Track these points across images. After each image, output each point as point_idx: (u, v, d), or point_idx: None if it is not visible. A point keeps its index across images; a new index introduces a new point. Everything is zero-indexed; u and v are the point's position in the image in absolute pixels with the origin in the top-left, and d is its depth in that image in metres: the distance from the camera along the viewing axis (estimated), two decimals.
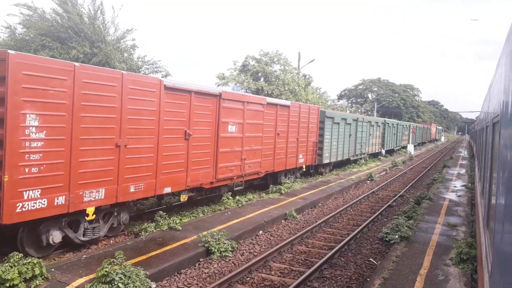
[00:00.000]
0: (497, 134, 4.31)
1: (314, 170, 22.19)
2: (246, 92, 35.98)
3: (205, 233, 9.05)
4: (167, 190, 10.26)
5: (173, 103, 10.23)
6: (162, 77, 23.84)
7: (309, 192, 16.01)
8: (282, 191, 15.28)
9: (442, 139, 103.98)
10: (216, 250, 8.48)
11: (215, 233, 8.89)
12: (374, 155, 34.49)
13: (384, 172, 26.67)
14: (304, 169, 19.22)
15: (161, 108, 9.79)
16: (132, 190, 9.21)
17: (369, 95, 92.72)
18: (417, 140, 58.32)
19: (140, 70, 21.89)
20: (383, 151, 35.51)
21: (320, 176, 21.56)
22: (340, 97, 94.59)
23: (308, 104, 19.35)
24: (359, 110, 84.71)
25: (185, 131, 10.65)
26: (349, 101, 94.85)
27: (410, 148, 44.89)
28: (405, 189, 19.52)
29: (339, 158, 24.24)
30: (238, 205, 12.63)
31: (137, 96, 9.16)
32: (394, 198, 16.82)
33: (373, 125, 31.31)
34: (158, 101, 9.72)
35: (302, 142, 18.32)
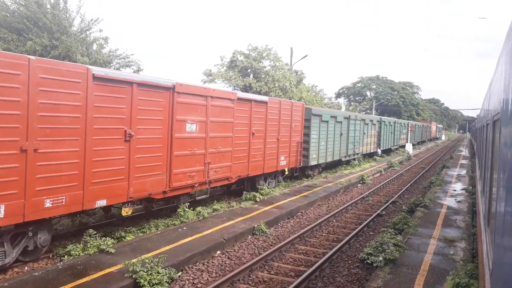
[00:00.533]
0: (497, 132, 4.30)
1: (300, 173, 20.37)
2: (235, 89, 34.16)
3: (134, 260, 7.20)
4: (101, 203, 8.42)
5: (107, 97, 8.38)
6: (134, 72, 22.04)
7: (288, 199, 14.18)
8: (258, 199, 13.44)
9: (443, 137, 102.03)
10: (146, 283, 6.65)
11: (147, 260, 7.05)
12: (370, 155, 32.65)
13: (379, 174, 24.81)
14: (287, 173, 17.38)
15: (89, 102, 7.95)
16: (48, 205, 7.37)
17: (368, 93, 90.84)
18: (416, 139, 56.44)
19: (111, 64, 20.06)
20: (379, 151, 33.65)
21: (307, 179, 19.73)
22: (338, 95, 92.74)
23: (291, 101, 17.51)
24: (357, 109, 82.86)
25: (125, 131, 8.81)
26: (348, 99, 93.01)
27: (409, 147, 43.01)
28: (398, 194, 17.67)
29: (329, 160, 22.39)
30: (198, 218, 10.79)
31: (52, 88, 7.32)
32: (385, 205, 14.97)
33: (367, 124, 29.45)
34: (84, 94, 7.88)
35: (283, 142, 16.49)
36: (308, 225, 11.57)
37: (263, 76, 33.40)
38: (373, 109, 74.88)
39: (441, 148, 59.84)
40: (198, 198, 11.69)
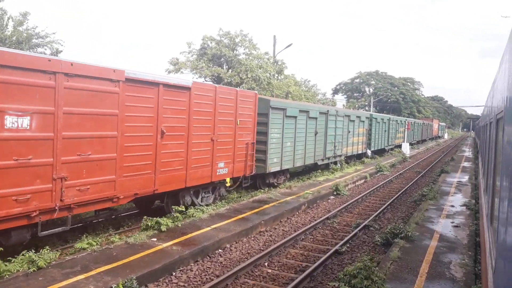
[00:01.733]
0: (500, 130, 4.37)
1: (260, 181, 16.21)
2: (206, 81, 30.03)
3: None
4: None
5: None
6: (51, 54, 17.95)
7: (216, 225, 10.03)
8: (164, 227, 9.28)
9: (446, 136, 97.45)
10: None
11: None
12: (358, 157, 28.44)
13: (362, 181, 20.60)
14: (228, 184, 13.19)
15: None
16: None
17: (367, 89, 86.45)
18: (415, 138, 52.11)
19: (21, 45, 15.94)
20: (369, 152, 29.40)
21: (264, 190, 15.59)
22: (335, 91, 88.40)
23: (237, 89, 13.30)
24: (355, 105, 78.60)
25: None
26: (346, 96, 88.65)
27: (405, 147, 38.72)
28: (378, 212, 13.46)
29: (299, 164, 18.20)
30: (30, 269, 6.66)
31: None
32: (353, 233, 10.76)
33: (353, 120, 25.21)
34: None
35: (223, 144, 12.33)
36: (214, 280, 7.40)
37: (237, 65, 29.17)
38: (371, 106, 70.54)
39: (443, 147, 55.48)
40: (43, 233, 7.53)
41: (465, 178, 21.73)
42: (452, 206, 14.12)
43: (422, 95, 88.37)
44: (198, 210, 11.05)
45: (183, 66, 28.72)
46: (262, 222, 10.85)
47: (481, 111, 37.24)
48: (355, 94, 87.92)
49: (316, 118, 19.46)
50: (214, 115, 11.77)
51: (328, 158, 21.60)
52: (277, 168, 15.99)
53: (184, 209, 10.38)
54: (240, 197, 14.51)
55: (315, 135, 19.57)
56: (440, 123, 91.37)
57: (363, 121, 27.62)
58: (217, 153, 12.03)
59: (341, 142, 23.29)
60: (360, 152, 27.74)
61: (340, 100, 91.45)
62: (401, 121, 41.06)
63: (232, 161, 12.80)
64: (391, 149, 37.64)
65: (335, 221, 12.13)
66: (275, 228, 11.04)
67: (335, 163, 23.04)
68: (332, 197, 15.91)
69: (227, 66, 30.63)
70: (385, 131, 34.10)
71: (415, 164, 30.14)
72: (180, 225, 9.74)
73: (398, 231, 9.83)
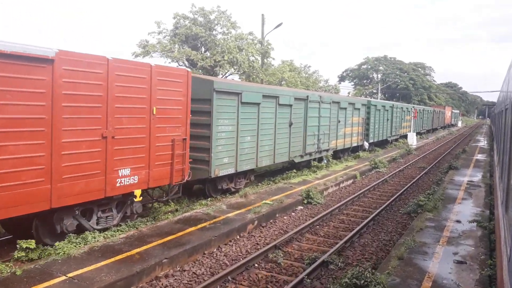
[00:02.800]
0: None
1: (211, 187, 12.63)
2: (180, 66, 26.40)
3: None
4: None
5: None
6: None
7: (76, 273, 6.49)
8: None
9: (459, 124, 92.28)
10: None
11: None
12: (354, 150, 24.61)
13: (350, 182, 16.85)
14: (138, 199, 9.54)
15: None
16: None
17: (375, 75, 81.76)
18: (425, 127, 47.77)
19: None
20: (366, 145, 25.48)
21: (213, 199, 12.03)
22: (342, 78, 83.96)
23: (152, 64, 9.55)
24: (362, 93, 74.22)
25: None
26: (353, 83, 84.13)
27: (411, 138, 34.63)
28: (352, 234, 9.70)
29: (266, 163, 14.53)
30: None
31: None
32: (296, 281, 7.06)
33: (344, 108, 21.33)
34: None
35: (129, 142, 8.74)
36: None
37: (213, 47, 25.43)
38: (378, 93, 66.11)
39: (455, 137, 51.04)
40: None
41: (478, 176, 17.79)
42: (458, 221, 10.32)
43: (434, 81, 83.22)
44: (72, 242, 7.50)
45: (152, 49, 25.07)
46: (165, 261, 7.25)
47: (497, 97, 33.06)
48: (363, 81, 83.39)
49: (290, 106, 15.70)
50: (107, 101, 8.14)
51: (310, 154, 17.85)
52: (230, 171, 12.34)
53: (32, 246, 6.84)
54: (177, 211, 10.98)
55: (290, 126, 15.83)
56: (453, 110, 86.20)
57: (358, 109, 23.69)
58: (116, 156, 8.43)
59: (328, 134, 19.48)
60: (355, 144, 23.88)
61: (347, 87, 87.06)
62: (407, 108, 36.86)
63: (146, 165, 9.19)
64: (396, 140, 33.60)
65: (283, 252, 8.44)
66: (183, 271, 7.41)
67: (321, 159, 19.28)
68: (300, 207, 12.22)
69: (204, 48, 26.92)
70: (387, 119, 30.08)
71: (420, 158, 26.14)
72: (19, 273, 6.22)
73: (363, 281, 6.12)
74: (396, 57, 79.97)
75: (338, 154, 22.59)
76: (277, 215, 11.04)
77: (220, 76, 27.49)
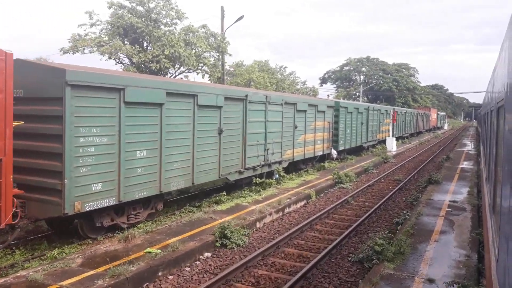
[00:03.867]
0: (501, 118, 4.33)
1: (86, 226, 8.86)
2: (117, 64, 22.76)
3: None
4: None
5: None
6: None
7: None
8: None
9: (446, 126, 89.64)
10: None
11: None
12: (321, 159, 21.02)
13: (300, 205, 13.17)
14: None
15: None
16: None
17: (357, 77, 78.69)
18: (408, 130, 44.46)
19: None
20: (335, 153, 21.87)
21: (76, 246, 8.28)
22: (323, 80, 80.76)
23: None
24: (343, 96, 71.08)
25: None
26: (335, 85, 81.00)
27: (390, 143, 31.21)
28: None
29: (175, 186, 10.71)
30: None
31: None
32: None
33: (303, 111, 17.71)
34: None
35: None
36: None
37: (154, 41, 21.68)
38: (360, 95, 62.92)
39: (440, 141, 47.89)
40: None
41: (463, 193, 14.27)
42: (430, 281, 6.68)
43: (418, 82, 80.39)
44: None
45: (81, 44, 21.20)
46: None
47: (483, 99, 30.60)
48: (345, 84, 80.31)
49: (219, 108, 12.01)
50: None
51: (254, 169, 14.16)
52: (108, 202, 8.54)
53: None
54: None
55: (220, 134, 12.12)
56: (439, 112, 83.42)
57: (323, 112, 20.10)
58: None
59: (280, 143, 15.84)
60: (319, 153, 20.27)
61: (329, 90, 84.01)
62: (386, 110, 33.45)
63: None
64: (373, 146, 30.12)
65: None
66: None
67: (271, 173, 15.60)
68: (207, 254, 8.45)
69: (146, 43, 23.14)
70: (361, 123, 26.58)
71: (397, 168, 22.62)
72: None
73: None
74: (379, 58, 76.99)
75: (299, 166, 18.97)
76: (159, 274, 7.27)
77: (170, 75, 23.75)
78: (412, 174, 19.86)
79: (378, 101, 76.69)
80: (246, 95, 13.41)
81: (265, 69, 48.19)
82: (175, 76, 24.25)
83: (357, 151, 28.48)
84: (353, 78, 79.21)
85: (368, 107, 28.33)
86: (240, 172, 13.37)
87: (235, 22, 26.75)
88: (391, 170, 21.32)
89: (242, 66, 39.25)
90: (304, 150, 18.26)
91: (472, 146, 35.76)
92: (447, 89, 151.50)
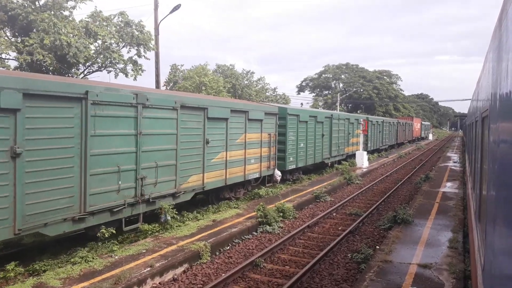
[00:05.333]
0: (486, 128, 4.42)
1: None
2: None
3: None
4: None
5: None
6: None
7: None
8: None
9: (430, 137, 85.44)
10: None
11: None
12: (262, 182, 15.90)
13: (170, 277, 7.88)
14: None
15: None
16: None
17: (336, 84, 74.21)
18: (385, 142, 39.62)
19: None
20: (278, 174, 16.66)
21: None
22: (301, 88, 76.14)
23: None
24: (320, 104, 66.48)
25: None
26: (315, 94, 76.37)
27: (360, 158, 26.20)
28: None
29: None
30: None
31: None
32: None
33: (223, 119, 12.55)
34: None
35: None
36: None
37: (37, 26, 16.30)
38: (338, 104, 58.28)
39: (423, 153, 43.20)
40: None
41: (441, 248, 9.20)
42: None
43: (401, 90, 76.13)
44: None
45: None
46: None
47: (468, 109, 26.59)
48: (324, 92, 75.81)
49: (13, 113, 6.77)
50: None
51: (111, 211, 8.86)
52: None
53: None
54: None
55: (14, 158, 6.86)
56: (423, 122, 79.16)
57: (259, 120, 15.01)
58: None
59: (172, 167, 10.63)
60: (256, 175, 15.12)
61: (307, 98, 79.49)
62: (356, 119, 28.49)
63: None
64: (339, 162, 25.08)
65: None
66: None
67: (160, 214, 10.32)
68: None
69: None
70: (322, 135, 21.56)
71: (361, 193, 17.51)
72: None
73: None
74: (358, 65, 72.65)
75: (222, 195, 13.78)
76: None
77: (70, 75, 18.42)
78: (376, 205, 14.75)
79: (359, 111, 72.25)
80: (87, 92, 8.16)
81: (229, 74, 43.27)
82: (84, 76, 18.95)
83: (320, 168, 23.49)
84: (332, 86, 74.76)
85: (331, 115, 23.33)
86: (75, 221, 8.07)
87: (170, 12, 21.96)
88: (352, 196, 16.21)
89: (202, 69, 34.11)
90: (225, 173, 13.06)
91: (457, 160, 31.02)
92: (432, 98, 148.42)
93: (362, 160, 25.90)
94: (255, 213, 11.56)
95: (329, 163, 23.34)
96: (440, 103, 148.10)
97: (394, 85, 72.16)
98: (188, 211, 11.86)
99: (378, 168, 26.60)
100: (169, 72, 38.37)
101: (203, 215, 11.70)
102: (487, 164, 3.82)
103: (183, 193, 11.17)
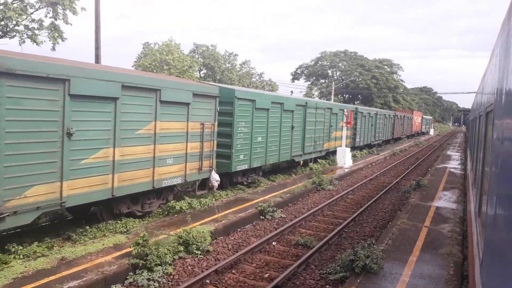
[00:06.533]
0: (490, 123, 4.34)
1: None
2: None
3: None
4: None
5: None
6: None
7: None
8: None
9: (431, 132, 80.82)
10: None
11: None
12: (202, 186, 11.62)
13: None
14: None
15: None
16: None
17: (333, 73, 69.50)
18: (379, 136, 35.21)
19: None
20: (216, 178, 12.32)
21: None
22: (295, 76, 71.43)
23: None
24: (315, 93, 61.94)
25: None
26: (310, 82, 71.67)
27: (342, 156, 21.89)
28: None
29: None
30: None
31: None
32: None
33: (111, 100, 8.20)
34: None
35: None
36: None
37: None
38: (332, 93, 53.76)
39: (421, 150, 38.82)
40: None
41: None
42: None
43: (402, 81, 71.27)
44: None
45: None
46: None
47: (471, 104, 23.41)
48: (320, 81, 71.12)
49: None
50: None
51: None
52: None
53: None
54: None
55: None
56: (424, 116, 74.49)
57: (186, 104, 10.68)
58: None
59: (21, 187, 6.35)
60: (178, 180, 10.84)
61: (302, 87, 74.90)
62: (341, 110, 24.06)
63: None
64: (315, 160, 20.79)
65: None
66: None
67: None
68: None
69: None
70: (291, 127, 17.25)
71: (327, 205, 13.19)
72: None
73: None
74: (357, 52, 67.82)
75: (117, 209, 9.52)
76: None
77: None
78: (341, 226, 10.46)
79: (356, 102, 67.74)
80: None
81: (207, 55, 38.80)
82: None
83: (292, 167, 19.30)
84: (329, 74, 70.04)
85: (306, 103, 18.94)
86: None
87: None
88: (313, 211, 11.93)
89: (166, 46, 29.65)
90: (112, 179, 8.79)
91: (458, 159, 26.71)
92: (435, 92, 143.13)
93: (344, 159, 21.60)
94: (130, 248, 7.29)
95: (301, 162, 19.05)
96: (443, 97, 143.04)
97: (394, 75, 67.33)
98: (37, 238, 7.64)
99: (363, 168, 22.28)
100: (141, 51, 34.02)
101: (52, 247, 7.48)
102: (489, 160, 3.76)
103: (14, 214, 6.93)
